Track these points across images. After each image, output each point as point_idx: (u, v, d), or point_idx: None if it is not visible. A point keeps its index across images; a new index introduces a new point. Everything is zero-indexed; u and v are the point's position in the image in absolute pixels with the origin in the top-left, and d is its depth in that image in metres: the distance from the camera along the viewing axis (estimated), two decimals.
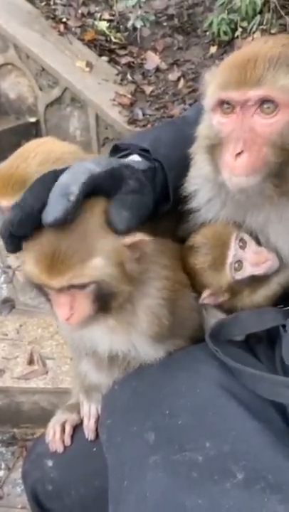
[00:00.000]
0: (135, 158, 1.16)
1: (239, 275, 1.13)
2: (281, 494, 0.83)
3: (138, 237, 0.94)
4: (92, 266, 0.89)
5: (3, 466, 2.45)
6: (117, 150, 1.23)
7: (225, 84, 0.97)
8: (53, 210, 0.87)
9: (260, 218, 1.10)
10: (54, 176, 0.93)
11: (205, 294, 1.14)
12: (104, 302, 0.95)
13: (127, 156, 1.18)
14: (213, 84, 1.01)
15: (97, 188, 0.94)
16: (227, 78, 0.96)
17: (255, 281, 1.14)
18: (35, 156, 1.27)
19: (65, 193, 0.88)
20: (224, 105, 0.98)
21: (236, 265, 1.12)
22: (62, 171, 0.94)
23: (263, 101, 0.93)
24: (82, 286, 0.91)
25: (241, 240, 1.12)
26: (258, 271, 1.12)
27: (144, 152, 1.17)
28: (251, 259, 1.12)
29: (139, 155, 1.16)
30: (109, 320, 1.02)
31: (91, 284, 0.91)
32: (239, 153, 0.94)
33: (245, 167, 0.94)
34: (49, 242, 0.89)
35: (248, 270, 1.13)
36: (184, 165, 1.15)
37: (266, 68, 0.92)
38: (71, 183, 0.90)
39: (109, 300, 0.96)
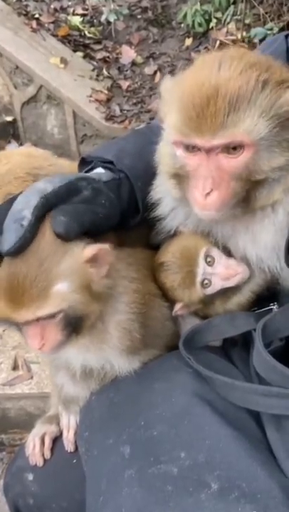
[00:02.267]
0: (99, 170, 1.15)
1: (210, 290, 1.13)
2: (255, 503, 0.83)
3: (97, 247, 0.91)
4: (56, 294, 0.86)
5: None
6: (84, 163, 1.21)
7: (186, 129, 0.94)
8: (8, 238, 0.86)
9: (226, 229, 1.10)
10: (9, 203, 0.91)
11: (177, 306, 1.15)
12: (75, 325, 0.93)
13: (92, 169, 1.16)
14: (173, 117, 0.98)
15: (53, 206, 0.92)
16: (188, 123, 0.94)
17: (228, 291, 1.14)
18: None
19: (17, 218, 0.87)
20: (188, 146, 0.97)
21: (206, 282, 1.12)
22: (16, 197, 0.92)
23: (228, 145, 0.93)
24: (50, 316, 0.89)
25: (209, 256, 1.12)
26: (229, 284, 1.12)
27: (109, 164, 1.15)
28: (221, 275, 1.12)
29: (104, 167, 1.15)
30: (81, 340, 1.00)
31: (58, 313, 0.89)
32: (208, 192, 0.95)
33: (215, 204, 0.95)
34: (8, 275, 0.86)
35: (218, 285, 1.13)
36: (150, 174, 1.14)
37: (227, 112, 0.90)
38: (23, 208, 0.89)
39: (79, 322, 0.94)
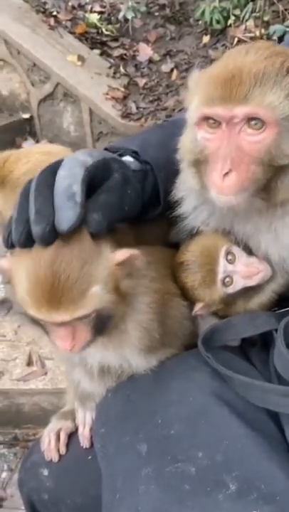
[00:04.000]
0: (127, 159, 1.14)
1: (231, 289, 1.11)
2: (274, 505, 0.82)
3: (128, 252, 0.91)
4: (93, 295, 0.86)
5: (5, 467, 2.46)
6: None
7: (210, 100, 0.93)
8: (66, 216, 0.83)
9: (248, 227, 1.08)
10: (48, 173, 0.89)
11: (198, 306, 1.13)
12: (103, 325, 0.94)
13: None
14: (197, 97, 0.98)
15: (94, 180, 0.91)
16: (212, 93, 0.93)
17: (249, 290, 1.13)
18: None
19: (70, 194, 0.85)
20: (209, 120, 0.95)
21: (227, 280, 1.11)
22: (57, 166, 0.90)
23: (250, 118, 0.90)
24: (84, 317, 0.89)
25: (230, 253, 1.11)
26: (250, 283, 1.10)
27: (134, 154, 1.15)
28: (242, 273, 1.10)
29: (131, 157, 1.14)
30: (101, 339, 1.00)
31: (92, 313, 0.89)
32: (227, 173, 0.92)
33: (233, 187, 0.92)
34: (49, 273, 0.83)
35: (240, 283, 1.11)
36: (173, 166, 1.12)
37: (252, 85, 0.89)
38: (72, 183, 0.86)
39: (107, 322, 0.94)
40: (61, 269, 0.83)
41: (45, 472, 1.25)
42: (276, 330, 1.09)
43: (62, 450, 1.26)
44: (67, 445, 1.28)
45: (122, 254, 0.90)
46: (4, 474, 2.43)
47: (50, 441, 1.27)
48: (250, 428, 0.94)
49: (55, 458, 1.25)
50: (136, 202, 1.04)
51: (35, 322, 0.93)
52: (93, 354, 1.06)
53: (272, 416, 0.99)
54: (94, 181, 0.92)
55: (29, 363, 2.53)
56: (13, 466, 2.46)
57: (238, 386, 0.99)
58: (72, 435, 1.30)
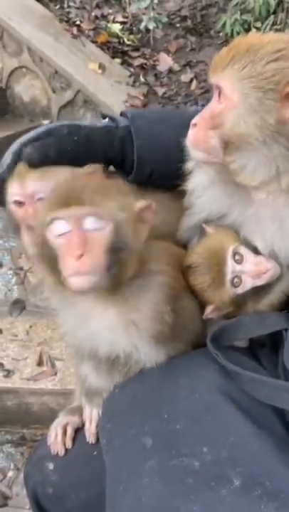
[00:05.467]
0: (104, 121, 1.28)
1: (240, 289, 1.11)
2: (278, 501, 0.81)
3: (148, 202, 0.99)
4: (110, 206, 0.92)
5: (12, 466, 2.47)
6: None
7: None
8: None
9: (251, 221, 1.10)
10: None
11: (208, 309, 1.14)
12: (116, 258, 0.93)
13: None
14: None
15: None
16: None
17: (259, 291, 1.12)
18: None
19: (2, 163, 1.17)
20: None
21: (236, 281, 1.11)
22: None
23: None
24: (97, 228, 0.91)
25: (237, 253, 1.11)
26: (259, 282, 1.10)
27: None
28: (251, 272, 1.10)
29: (111, 119, 1.27)
30: (110, 313, 1.01)
31: (107, 224, 0.91)
32: None
33: None
34: (69, 180, 0.98)
35: (249, 283, 1.11)
36: (156, 142, 1.22)
37: None
38: (8, 154, 1.16)
39: (121, 257, 0.94)
40: (82, 180, 0.99)
41: (51, 466, 1.26)
42: (286, 330, 1.09)
43: (69, 444, 1.26)
44: (74, 440, 1.28)
45: (144, 202, 0.99)
46: (11, 473, 2.43)
47: (56, 435, 1.28)
48: (257, 425, 0.93)
49: (61, 452, 1.25)
50: (88, 145, 1.19)
51: (47, 253, 0.95)
52: (103, 337, 1.06)
53: (278, 414, 0.99)
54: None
55: (39, 363, 2.54)
56: (19, 466, 2.46)
57: (246, 383, 0.99)
58: (79, 431, 1.30)
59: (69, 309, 1.09)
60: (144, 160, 1.22)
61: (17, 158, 1.15)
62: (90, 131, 1.20)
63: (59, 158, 1.15)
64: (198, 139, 1.03)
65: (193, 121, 1.04)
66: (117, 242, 0.92)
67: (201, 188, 1.15)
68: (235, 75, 0.97)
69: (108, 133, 1.22)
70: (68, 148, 1.17)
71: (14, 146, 1.16)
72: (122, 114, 1.30)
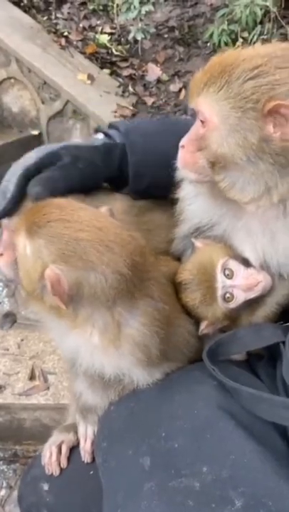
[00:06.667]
0: (99, 136, 1.27)
1: (233, 304, 1.10)
2: None
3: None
4: None
5: (4, 484, 2.41)
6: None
7: None
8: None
9: (241, 231, 1.10)
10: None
11: (203, 325, 1.12)
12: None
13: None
14: None
15: (34, 175, 1.12)
16: None
17: (253, 303, 1.11)
18: None
19: (3, 190, 1.13)
20: None
21: (227, 296, 1.09)
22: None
23: None
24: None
25: (226, 268, 1.10)
26: (252, 295, 1.09)
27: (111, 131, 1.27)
28: (242, 286, 1.09)
29: (105, 134, 1.27)
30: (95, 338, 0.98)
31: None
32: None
33: None
34: None
35: (241, 297, 1.10)
36: (151, 157, 1.22)
37: None
38: (9, 184, 1.13)
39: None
40: None
41: (46, 487, 1.22)
42: (283, 342, 1.07)
43: (64, 463, 1.23)
44: (69, 459, 1.25)
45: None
46: (3, 492, 2.38)
47: (51, 455, 1.24)
48: (257, 442, 0.91)
49: (56, 472, 1.22)
50: (92, 172, 1.19)
51: None
52: (91, 362, 1.04)
53: (279, 431, 0.96)
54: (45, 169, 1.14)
55: (31, 378, 2.50)
56: (12, 484, 2.41)
57: (245, 399, 0.97)
58: (74, 449, 1.27)
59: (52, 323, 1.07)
60: (140, 174, 1.23)
61: (22, 190, 1.12)
62: (91, 156, 1.19)
63: (68, 190, 1.13)
64: (187, 161, 1.05)
65: (181, 143, 1.05)
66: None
67: (192, 195, 1.16)
68: (212, 97, 0.96)
69: (108, 153, 1.22)
70: (75, 178, 1.15)
71: (15, 175, 1.13)
72: (111, 126, 1.29)
